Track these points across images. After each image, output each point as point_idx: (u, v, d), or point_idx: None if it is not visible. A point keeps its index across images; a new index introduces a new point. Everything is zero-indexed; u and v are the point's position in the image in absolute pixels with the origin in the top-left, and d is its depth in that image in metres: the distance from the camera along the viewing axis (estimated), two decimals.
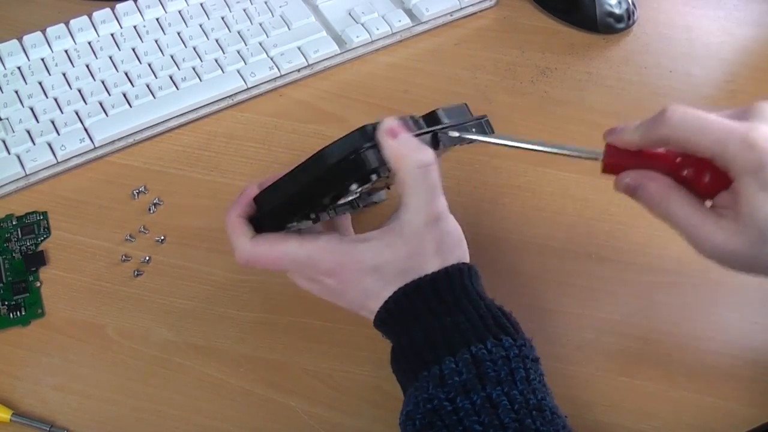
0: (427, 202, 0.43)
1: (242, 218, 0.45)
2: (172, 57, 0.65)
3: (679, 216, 0.42)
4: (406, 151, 0.42)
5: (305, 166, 0.43)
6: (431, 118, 0.45)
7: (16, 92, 0.62)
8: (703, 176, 0.42)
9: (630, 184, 0.43)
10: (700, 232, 0.41)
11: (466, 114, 0.48)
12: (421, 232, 0.43)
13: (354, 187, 0.42)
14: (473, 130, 0.46)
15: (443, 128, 0.46)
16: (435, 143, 0.45)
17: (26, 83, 0.62)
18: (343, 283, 0.44)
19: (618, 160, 0.44)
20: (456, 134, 0.46)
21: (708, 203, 0.43)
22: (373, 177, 0.42)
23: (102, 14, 0.66)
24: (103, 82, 0.63)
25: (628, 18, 0.71)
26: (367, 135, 0.42)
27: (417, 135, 0.43)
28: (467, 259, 0.45)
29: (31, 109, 0.61)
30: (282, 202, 0.44)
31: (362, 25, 0.68)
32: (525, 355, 0.40)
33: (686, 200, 0.42)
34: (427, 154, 0.42)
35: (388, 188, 0.52)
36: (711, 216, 0.41)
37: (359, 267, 0.43)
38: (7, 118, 0.60)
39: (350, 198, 0.47)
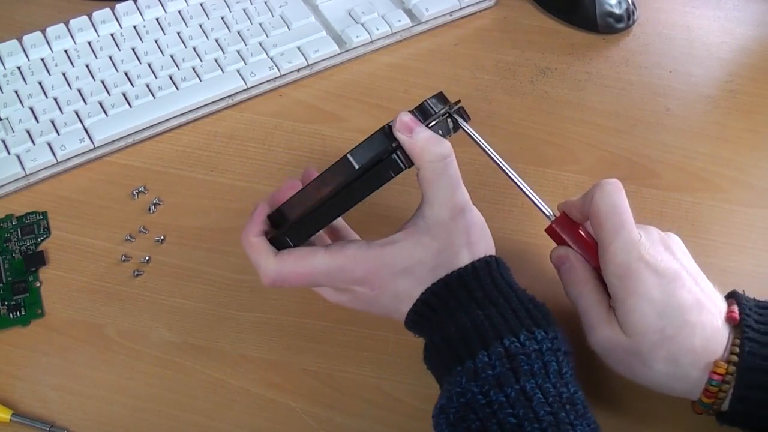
0: (450, 194, 0.43)
1: (261, 237, 0.45)
2: (172, 57, 0.65)
3: (585, 302, 0.46)
4: (423, 145, 0.43)
5: (332, 174, 0.43)
6: (422, 110, 0.45)
7: (16, 92, 0.62)
8: None
9: (562, 256, 0.47)
10: (595, 322, 0.45)
11: (446, 101, 0.48)
12: (448, 226, 0.43)
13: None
14: (458, 118, 0.47)
15: (448, 112, 0.46)
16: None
17: (26, 83, 0.62)
18: (375, 289, 0.44)
19: (562, 228, 0.48)
20: (461, 120, 0.47)
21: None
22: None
23: (102, 14, 0.66)
24: (103, 82, 0.63)
25: (628, 18, 0.71)
26: (389, 135, 0.43)
27: (428, 124, 0.44)
28: (493, 251, 0.45)
29: (31, 109, 0.61)
30: (310, 212, 0.44)
31: (362, 25, 0.68)
32: (557, 347, 0.40)
33: (597, 293, 0.46)
34: (445, 146, 0.43)
35: None
36: (610, 313, 0.45)
37: (391, 270, 0.43)
38: (7, 118, 0.60)
39: None
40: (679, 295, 0.43)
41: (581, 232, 0.48)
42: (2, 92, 0.62)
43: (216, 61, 0.65)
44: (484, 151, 0.47)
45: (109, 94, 0.62)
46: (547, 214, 0.48)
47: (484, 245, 0.45)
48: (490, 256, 0.44)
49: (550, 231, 0.48)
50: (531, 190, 0.48)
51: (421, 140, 0.43)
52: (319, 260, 0.43)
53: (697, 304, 0.43)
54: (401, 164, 0.43)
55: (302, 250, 0.44)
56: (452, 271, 0.43)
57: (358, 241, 0.44)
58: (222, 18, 0.68)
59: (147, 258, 0.55)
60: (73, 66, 0.64)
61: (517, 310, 0.41)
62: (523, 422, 0.37)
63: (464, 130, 0.47)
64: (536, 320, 0.41)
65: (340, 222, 0.50)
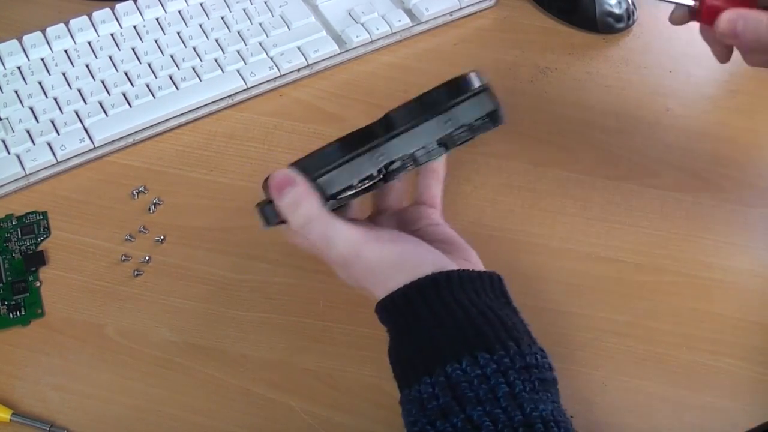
0: (322, 254, 0.43)
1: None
2: (172, 57, 0.65)
3: None
4: (285, 213, 0.42)
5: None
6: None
7: (16, 92, 0.62)
8: None
9: (731, 20, 0.46)
10: None
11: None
12: (346, 272, 0.43)
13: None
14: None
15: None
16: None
17: (26, 83, 0.62)
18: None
19: (715, 7, 0.46)
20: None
21: None
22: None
23: (102, 14, 0.66)
24: (103, 82, 0.63)
25: (628, 18, 0.71)
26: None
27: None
28: (445, 267, 0.42)
29: (31, 109, 0.61)
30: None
31: (362, 25, 0.68)
32: (507, 367, 0.38)
33: None
34: (300, 216, 0.42)
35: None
36: None
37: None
38: (7, 118, 0.60)
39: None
40: None
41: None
42: (2, 92, 0.62)
43: (216, 61, 0.65)
44: None
45: (109, 94, 0.62)
46: (693, 4, 0.47)
47: (400, 278, 0.42)
48: (440, 273, 0.41)
49: (706, 13, 0.47)
50: None
51: (282, 206, 0.42)
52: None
53: None
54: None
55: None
56: (393, 291, 0.42)
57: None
58: (222, 18, 0.67)
59: (147, 258, 0.55)
60: (73, 66, 0.64)
61: (464, 329, 0.39)
62: None
63: None
64: (484, 339, 0.39)
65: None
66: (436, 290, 0.41)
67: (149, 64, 0.64)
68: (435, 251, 0.44)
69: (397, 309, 0.41)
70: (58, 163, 0.59)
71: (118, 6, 0.67)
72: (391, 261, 0.42)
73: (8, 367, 0.50)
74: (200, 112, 0.63)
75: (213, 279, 0.55)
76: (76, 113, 0.61)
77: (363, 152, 0.41)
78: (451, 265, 0.43)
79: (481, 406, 0.37)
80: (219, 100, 0.64)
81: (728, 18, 0.46)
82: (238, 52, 0.65)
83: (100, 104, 0.61)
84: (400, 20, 0.69)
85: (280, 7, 0.69)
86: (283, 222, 0.43)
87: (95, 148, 0.60)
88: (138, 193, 0.59)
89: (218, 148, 0.62)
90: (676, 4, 0.47)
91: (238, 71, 0.64)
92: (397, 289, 0.41)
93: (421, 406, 0.38)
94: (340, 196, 0.43)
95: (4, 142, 0.59)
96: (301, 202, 0.42)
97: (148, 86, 0.63)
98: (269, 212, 0.43)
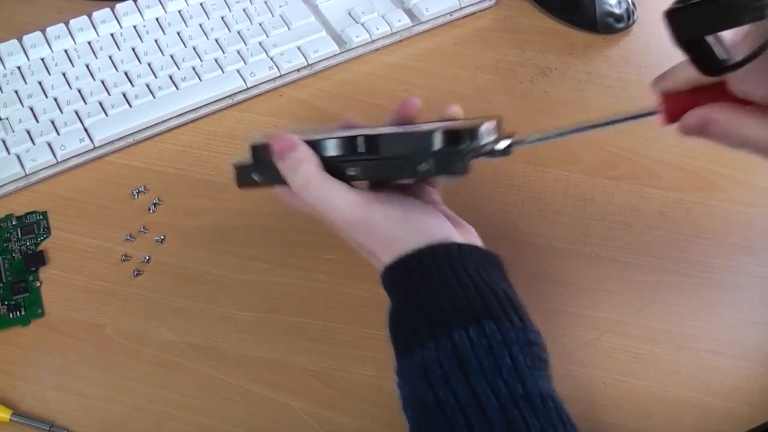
0: (322, 217, 0.44)
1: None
2: (171, 57, 0.65)
3: (759, 135, 0.39)
4: (286, 175, 0.44)
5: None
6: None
7: (16, 92, 0.62)
8: None
9: (698, 122, 0.42)
10: None
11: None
12: (348, 234, 0.44)
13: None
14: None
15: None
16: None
17: (26, 83, 0.62)
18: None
19: (678, 105, 0.43)
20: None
21: None
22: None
23: (102, 14, 0.66)
24: (102, 82, 0.63)
25: (628, 18, 0.71)
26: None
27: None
28: (452, 238, 0.43)
29: (31, 109, 0.61)
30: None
31: (362, 25, 0.68)
32: (512, 341, 0.38)
33: (760, 117, 0.39)
34: (300, 176, 0.43)
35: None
36: None
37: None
38: (7, 118, 0.60)
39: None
40: None
41: (689, 95, 0.44)
42: (2, 92, 0.62)
43: (216, 61, 0.65)
44: (556, 137, 0.44)
45: (109, 94, 0.62)
46: (653, 111, 0.44)
47: (413, 234, 0.42)
48: (453, 243, 0.42)
49: (670, 116, 0.44)
50: (624, 116, 0.44)
51: (283, 168, 0.44)
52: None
53: None
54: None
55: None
56: (406, 253, 0.42)
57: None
58: (222, 18, 0.67)
59: (147, 258, 0.55)
60: (73, 66, 0.64)
61: (471, 298, 0.40)
62: (473, 423, 0.36)
63: (519, 146, 0.44)
64: (492, 310, 0.39)
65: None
66: (447, 257, 0.41)
67: (149, 64, 0.64)
68: (441, 217, 0.44)
69: (408, 271, 0.41)
70: (58, 163, 0.59)
71: (118, 6, 0.67)
72: (398, 222, 0.43)
73: (8, 367, 0.50)
74: (200, 112, 0.63)
75: (213, 279, 0.55)
76: (76, 113, 0.61)
77: (339, 160, 0.43)
78: (456, 234, 0.44)
79: (484, 376, 0.37)
80: (219, 100, 0.64)
81: (694, 122, 0.43)
82: (238, 52, 0.65)
83: (100, 104, 0.61)
84: (400, 20, 0.69)
85: (280, 7, 0.69)
86: (269, 184, 0.45)
87: (95, 148, 0.60)
88: (138, 193, 0.59)
89: (218, 148, 0.62)
90: (640, 117, 0.44)
91: (238, 71, 0.64)
92: (410, 251, 0.41)
93: (424, 372, 0.38)
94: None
95: (4, 142, 0.59)
96: (301, 164, 0.43)
97: (148, 86, 0.63)
98: (244, 172, 0.46)
